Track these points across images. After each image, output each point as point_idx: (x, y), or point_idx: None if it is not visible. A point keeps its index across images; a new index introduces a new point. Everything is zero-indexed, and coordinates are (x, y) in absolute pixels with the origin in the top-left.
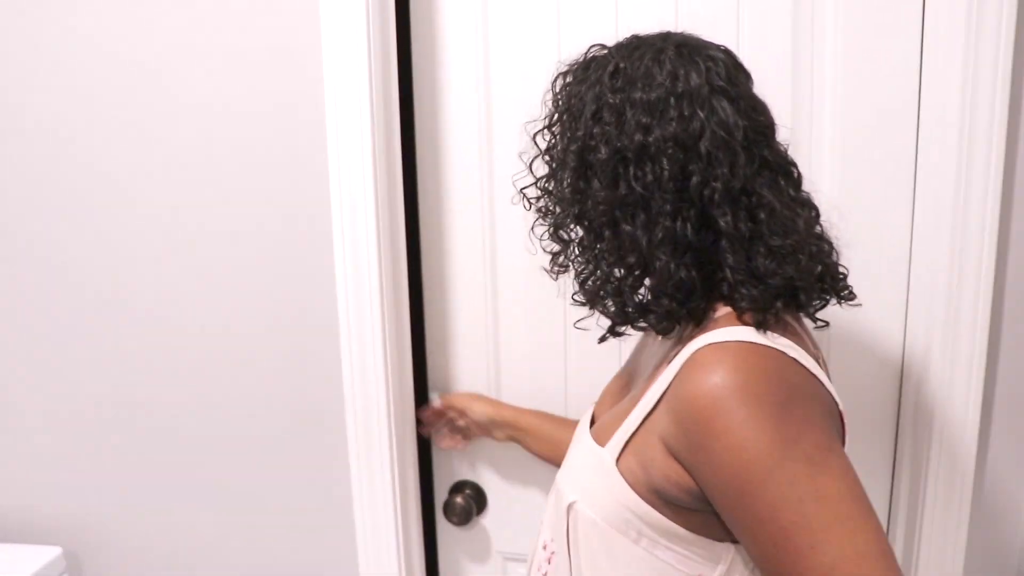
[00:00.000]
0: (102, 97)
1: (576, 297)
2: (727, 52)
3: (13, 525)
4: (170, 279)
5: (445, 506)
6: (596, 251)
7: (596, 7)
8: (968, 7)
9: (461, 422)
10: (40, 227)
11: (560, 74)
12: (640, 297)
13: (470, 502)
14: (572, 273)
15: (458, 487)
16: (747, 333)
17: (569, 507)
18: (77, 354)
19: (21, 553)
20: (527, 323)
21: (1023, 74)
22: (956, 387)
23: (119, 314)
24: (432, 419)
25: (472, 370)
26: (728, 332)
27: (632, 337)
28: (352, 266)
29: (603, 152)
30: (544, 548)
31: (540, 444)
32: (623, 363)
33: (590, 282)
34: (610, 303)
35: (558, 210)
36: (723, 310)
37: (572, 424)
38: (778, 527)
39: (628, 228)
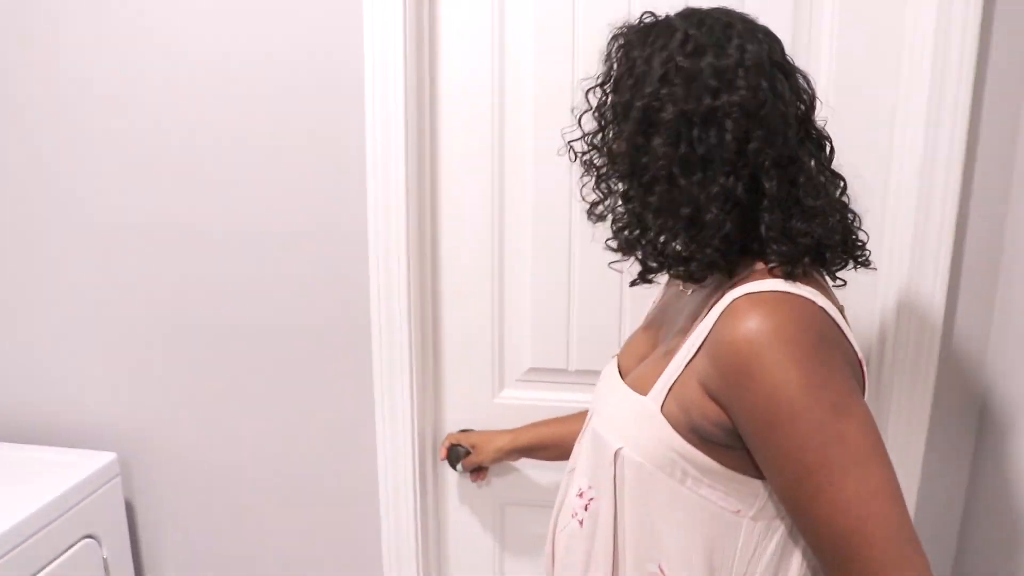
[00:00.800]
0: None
1: (610, 243)
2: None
3: (72, 432)
4: (219, 205)
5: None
6: (643, 203)
7: None
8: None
9: (477, 459)
10: (101, 152)
11: (614, 36)
12: (676, 247)
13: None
14: (608, 221)
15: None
16: (780, 284)
17: (616, 453)
18: (128, 272)
19: (79, 457)
20: (532, 274)
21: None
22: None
23: (168, 231)
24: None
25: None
26: (763, 284)
27: (647, 292)
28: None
29: (669, 112)
30: (580, 496)
31: (560, 451)
32: (620, 314)
33: (627, 231)
34: (647, 251)
35: (603, 163)
36: (756, 265)
37: (579, 417)
38: (802, 464)
39: (684, 183)
